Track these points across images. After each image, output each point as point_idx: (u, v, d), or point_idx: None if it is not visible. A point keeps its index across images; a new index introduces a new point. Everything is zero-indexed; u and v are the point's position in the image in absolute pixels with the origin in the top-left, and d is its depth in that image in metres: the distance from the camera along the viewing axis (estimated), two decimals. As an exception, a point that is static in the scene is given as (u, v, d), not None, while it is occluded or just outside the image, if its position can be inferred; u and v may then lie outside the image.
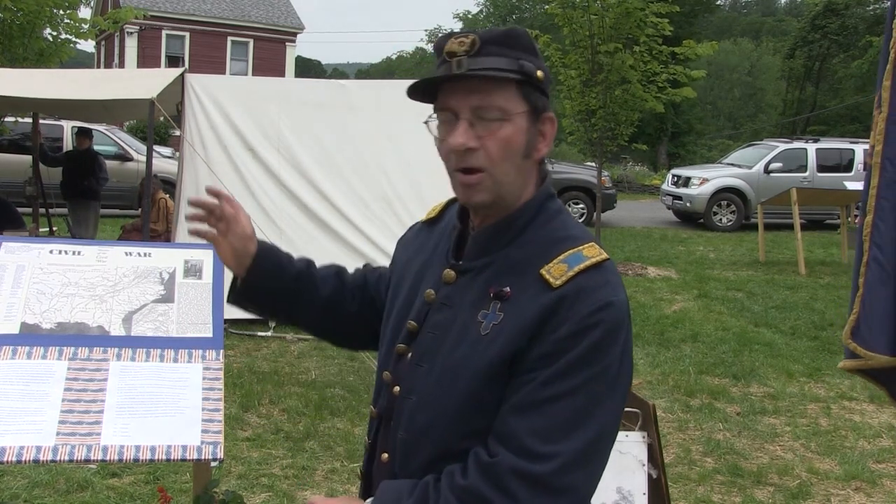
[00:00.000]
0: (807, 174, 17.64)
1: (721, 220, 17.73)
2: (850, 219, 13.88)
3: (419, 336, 1.59)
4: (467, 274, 1.56)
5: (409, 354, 1.59)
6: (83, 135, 10.97)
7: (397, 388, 1.59)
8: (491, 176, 1.48)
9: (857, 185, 14.66)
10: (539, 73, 1.51)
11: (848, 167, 17.89)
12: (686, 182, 18.41)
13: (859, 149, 18.10)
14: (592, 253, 1.48)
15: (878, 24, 39.46)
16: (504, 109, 1.47)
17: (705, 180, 17.93)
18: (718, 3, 57.86)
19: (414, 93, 1.55)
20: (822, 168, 17.78)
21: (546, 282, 1.45)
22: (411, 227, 1.86)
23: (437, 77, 1.49)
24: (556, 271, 1.45)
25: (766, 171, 17.71)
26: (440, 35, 1.55)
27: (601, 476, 1.47)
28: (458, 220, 1.64)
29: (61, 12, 11.85)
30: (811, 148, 18.16)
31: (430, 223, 1.78)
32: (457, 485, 1.41)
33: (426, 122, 1.57)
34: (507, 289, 1.48)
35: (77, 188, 10.69)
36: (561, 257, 1.47)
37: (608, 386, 1.42)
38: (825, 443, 5.52)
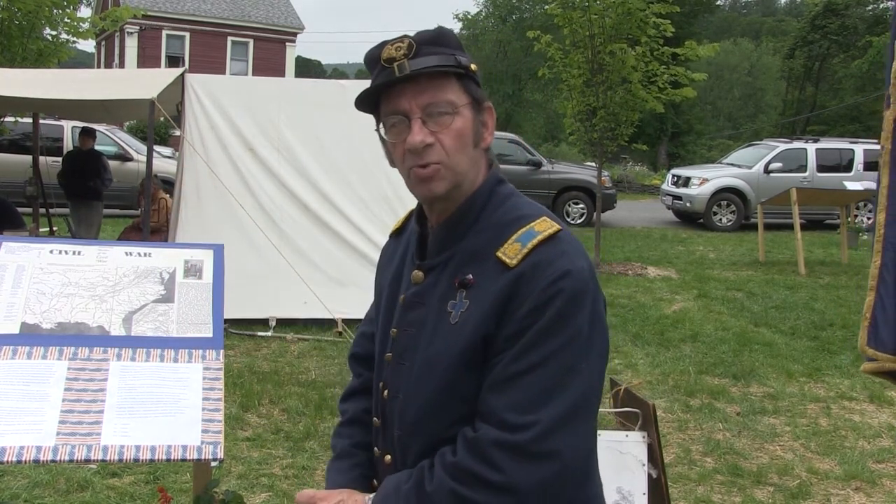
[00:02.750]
0: (806, 174, 17.64)
1: (721, 220, 17.73)
2: (849, 219, 13.87)
3: (398, 338, 1.65)
4: (433, 271, 1.61)
5: (392, 357, 1.65)
6: (86, 135, 10.97)
7: (386, 392, 1.65)
8: (447, 167, 1.53)
9: (857, 186, 14.69)
10: (473, 66, 1.57)
11: (848, 167, 17.89)
12: (686, 182, 18.41)
13: (859, 149, 18.11)
14: (544, 227, 1.52)
15: (878, 24, 39.50)
16: (452, 103, 1.53)
17: (705, 180, 17.93)
18: (718, 3, 57.89)
19: (360, 103, 1.60)
20: (821, 168, 17.78)
21: (503, 263, 1.49)
22: (385, 246, 1.90)
23: (388, 81, 1.52)
24: (511, 251, 1.50)
25: (766, 171, 17.71)
26: (370, 48, 1.58)
27: (591, 443, 1.51)
28: (417, 224, 1.69)
29: (60, 12, 11.84)
30: (811, 148, 18.16)
31: (397, 235, 1.83)
32: (447, 462, 1.46)
33: (377, 130, 1.62)
34: (470, 276, 1.53)
35: (81, 188, 10.70)
36: (514, 237, 1.51)
37: (579, 352, 1.45)
38: (825, 443, 5.52)
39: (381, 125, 1.61)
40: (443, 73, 1.53)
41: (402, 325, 1.63)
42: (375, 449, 1.73)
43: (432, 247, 1.63)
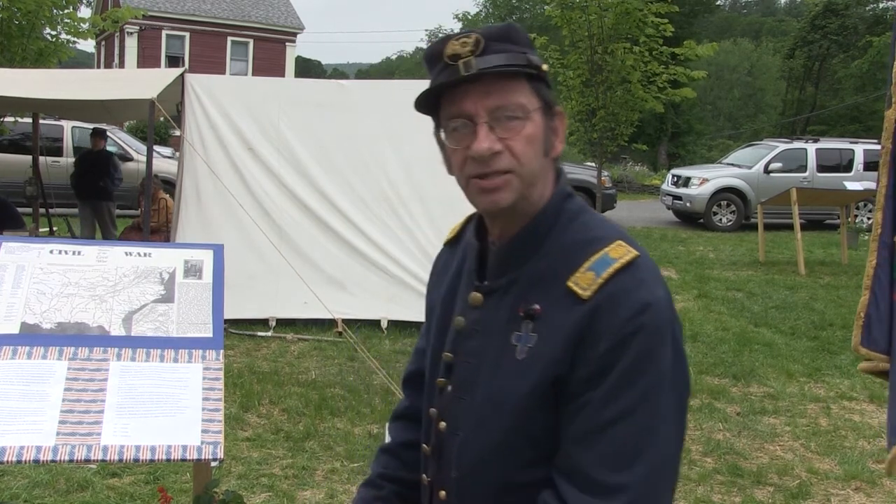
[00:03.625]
0: (806, 174, 17.64)
1: (721, 220, 17.72)
2: (849, 219, 13.87)
3: (455, 366, 1.51)
4: (494, 294, 1.46)
5: (449, 387, 1.52)
6: (98, 135, 11.00)
7: (443, 424, 1.52)
8: (518, 176, 1.38)
9: (857, 186, 14.69)
10: (545, 66, 1.43)
11: (848, 167, 17.90)
12: (686, 182, 18.41)
13: (859, 149, 18.12)
14: (619, 253, 1.37)
15: (878, 24, 39.49)
16: (523, 107, 1.38)
17: (705, 180, 17.92)
18: (718, 3, 57.89)
19: (418, 103, 1.45)
20: (821, 168, 17.79)
21: (575, 294, 1.34)
22: (438, 256, 1.75)
23: (452, 80, 1.36)
24: (584, 281, 1.34)
25: (766, 171, 17.71)
26: (431, 42, 1.45)
27: (675, 488, 1.40)
28: (476, 238, 1.53)
29: (60, 12, 11.86)
30: (811, 148, 18.16)
31: (452, 244, 1.68)
32: None
33: (435, 134, 1.47)
34: (536, 306, 1.38)
35: (92, 188, 10.71)
36: (587, 264, 1.36)
37: (666, 393, 1.32)
38: (825, 443, 5.52)
39: (440, 129, 1.44)
40: (513, 74, 1.37)
41: (460, 353, 1.50)
42: (424, 477, 1.61)
43: (493, 267, 1.47)
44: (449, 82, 1.37)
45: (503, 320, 1.43)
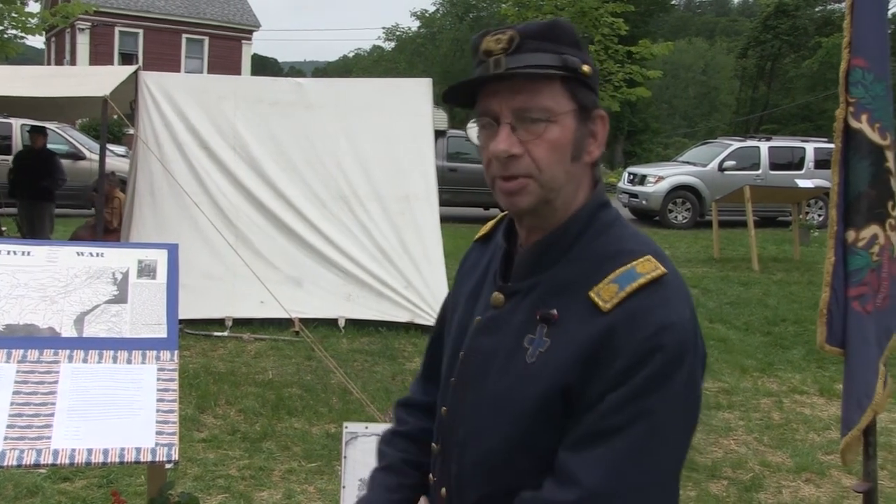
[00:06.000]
0: (760, 172, 17.93)
1: (676, 217, 17.94)
2: (801, 216, 14.14)
3: (464, 362, 1.48)
4: (515, 296, 1.42)
5: (452, 379, 1.50)
6: (37, 132, 10.73)
7: (448, 420, 1.51)
8: (537, 181, 1.34)
9: (808, 183, 14.97)
10: (585, 67, 1.36)
11: (799, 165, 18.24)
12: (642, 180, 18.59)
13: (810, 147, 18.48)
14: (647, 268, 1.32)
15: (827, 24, 40.36)
16: (549, 110, 1.33)
17: (661, 178, 18.11)
18: (673, 2, 58.57)
19: (451, 97, 1.44)
20: (774, 166, 18.09)
21: (595, 305, 1.30)
22: (468, 252, 1.69)
23: (474, 79, 1.36)
24: (606, 293, 1.30)
25: (721, 168, 17.97)
26: (476, 34, 1.42)
27: None
28: (505, 240, 1.51)
29: (6, 6, 11.62)
30: (764, 146, 18.47)
31: (484, 241, 1.63)
32: None
33: (467, 129, 1.45)
34: (554, 311, 1.35)
35: (31, 188, 10.44)
36: (611, 277, 1.32)
37: (673, 416, 1.29)
38: (777, 436, 5.62)
39: (472, 123, 1.43)
40: (544, 75, 1.33)
41: (472, 350, 1.46)
42: (431, 476, 1.56)
43: (518, 270, 1.44)
44: (475, 79, 1.36)
45: (519, 322, 1.39)
